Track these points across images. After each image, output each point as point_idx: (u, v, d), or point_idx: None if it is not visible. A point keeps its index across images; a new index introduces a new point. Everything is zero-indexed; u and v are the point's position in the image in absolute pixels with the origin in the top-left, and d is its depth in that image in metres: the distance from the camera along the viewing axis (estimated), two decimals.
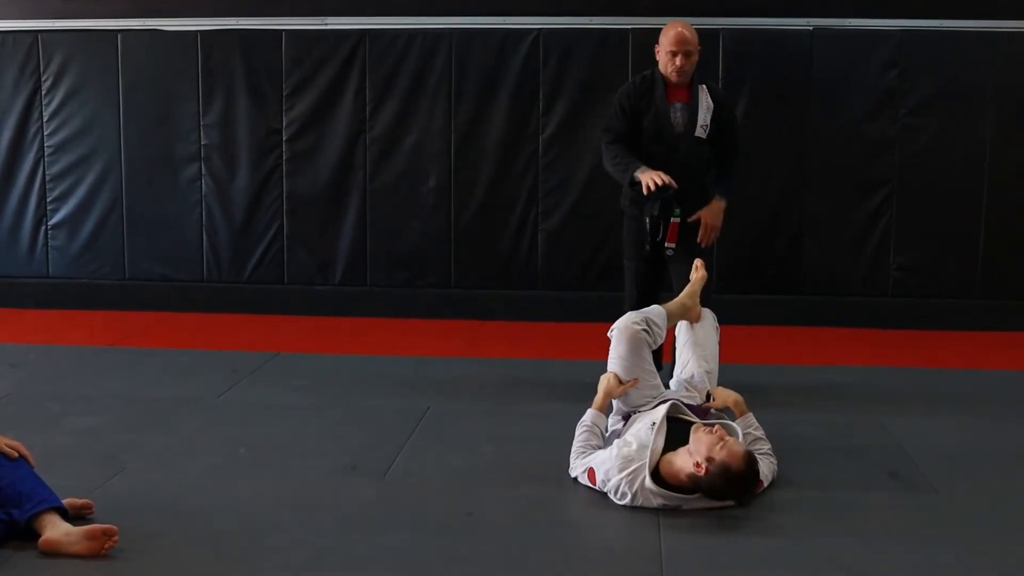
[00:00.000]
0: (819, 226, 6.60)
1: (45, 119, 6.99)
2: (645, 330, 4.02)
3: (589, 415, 3.96)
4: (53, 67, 6.94)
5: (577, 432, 3.92)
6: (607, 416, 4.01)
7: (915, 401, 4.94)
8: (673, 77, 4.73)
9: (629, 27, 6.54)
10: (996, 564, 3.21)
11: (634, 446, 3.62)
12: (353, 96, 6.76)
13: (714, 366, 4.28)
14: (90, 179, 6.99)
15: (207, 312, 6.84)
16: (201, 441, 4.30)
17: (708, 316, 4.40)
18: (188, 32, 6.82)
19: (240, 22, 6.81)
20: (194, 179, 6.93)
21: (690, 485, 3.49)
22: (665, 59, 4.76)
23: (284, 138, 6.84)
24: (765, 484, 3.71)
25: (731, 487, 3.47)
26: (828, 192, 6.58)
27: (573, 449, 3.87)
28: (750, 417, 3.96)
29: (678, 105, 4.78)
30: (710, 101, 4.78)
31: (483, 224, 6.78)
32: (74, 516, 3.31)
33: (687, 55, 4.70)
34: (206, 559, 3.19)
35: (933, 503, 3.71)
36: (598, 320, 4.71)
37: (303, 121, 6.81)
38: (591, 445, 3.86)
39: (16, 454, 3.34)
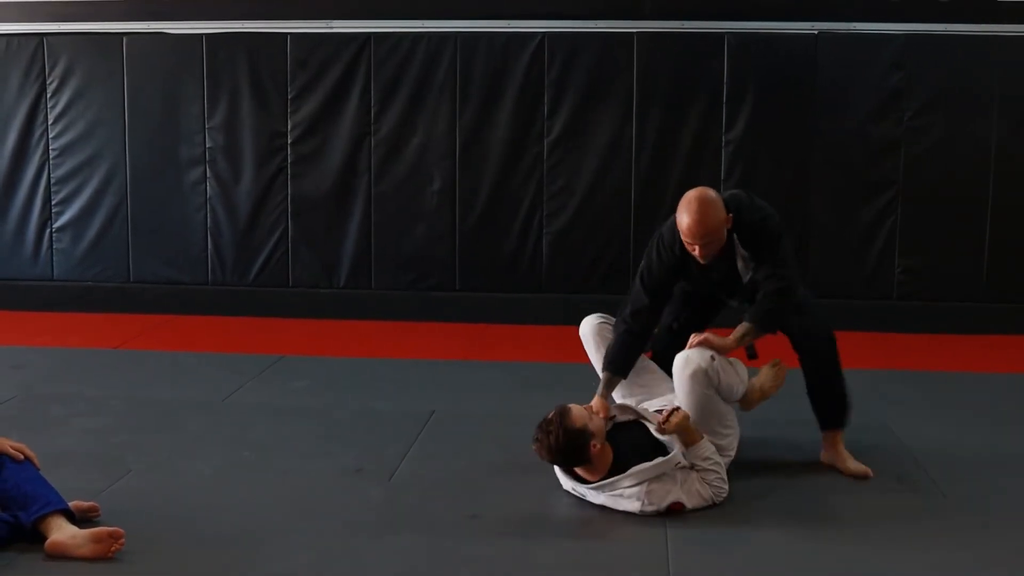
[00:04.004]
0: (824, 229, 6.59)
1: (50, 122, 6.99)
2: (604, 323, 4.07)
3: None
4: (58, 70, 6.94)
5: None
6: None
7: (921, 404, 4.94)
8: (699, 260, 3.99)
9: (634, 31, 6.54)
10: (1004, 568, 3.21)
11: None
12: (358, 99, 6.76)
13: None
14: (95, 182, 6.99)
15: (211, 315, 6.84)
16: (206, 444, 4.30)
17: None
18: (193, 35, 6.82)
19: (245, 25, 6.81)
20: (199, 182, 6.93)
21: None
22: (684, 241, 3.94)
23: (289, 141, 6.84)
24: (688, 507, 3.54)
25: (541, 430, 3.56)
26: (833, 195, 6.57)
27: None
28: (701, 448, 3.65)
29: (713, 264, 4.05)
30: (744, 251, 4.02)
31: (488, 227, 6.77)
32: (80, 519, 3.31)
33: (706, 245, 3.88)
34: (211, 562, 3.20)
35: (940, 507, 3.70)
36: None
37: (308, 124, 6.81)
38: None
39: (22, 456, 3.35)
